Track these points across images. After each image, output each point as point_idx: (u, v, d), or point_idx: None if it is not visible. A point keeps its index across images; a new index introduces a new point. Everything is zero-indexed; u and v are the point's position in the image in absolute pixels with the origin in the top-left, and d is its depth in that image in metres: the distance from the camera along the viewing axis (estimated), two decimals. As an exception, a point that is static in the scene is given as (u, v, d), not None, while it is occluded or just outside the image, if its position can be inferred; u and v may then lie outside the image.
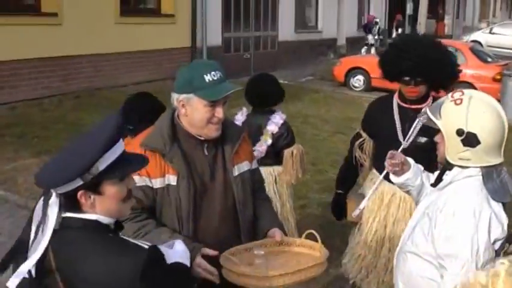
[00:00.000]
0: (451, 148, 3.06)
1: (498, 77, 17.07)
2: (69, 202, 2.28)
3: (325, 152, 10.82)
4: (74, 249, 2.25)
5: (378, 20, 29.51)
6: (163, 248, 2.58)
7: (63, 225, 2.29)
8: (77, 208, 2.30)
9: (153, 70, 16.63)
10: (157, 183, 3.18)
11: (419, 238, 3.16)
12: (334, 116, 14.82)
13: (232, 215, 3.34)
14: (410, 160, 3.60)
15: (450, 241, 2.91)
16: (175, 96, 3.20)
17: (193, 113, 3.16)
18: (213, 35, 19.10)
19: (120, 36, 15.32)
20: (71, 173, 2.22)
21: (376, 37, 28.73)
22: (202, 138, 3.25)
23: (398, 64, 4.54)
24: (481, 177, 3.05)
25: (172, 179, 3.17)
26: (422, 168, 3.64)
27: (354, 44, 30.07)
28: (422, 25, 26.56)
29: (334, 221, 5.59)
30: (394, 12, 35.85)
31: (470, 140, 2.98)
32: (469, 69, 16.32)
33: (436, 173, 3.44)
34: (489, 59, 19.23)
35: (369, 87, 19.21)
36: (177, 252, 2.65)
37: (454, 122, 3.02)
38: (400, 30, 32.90)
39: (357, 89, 19.39)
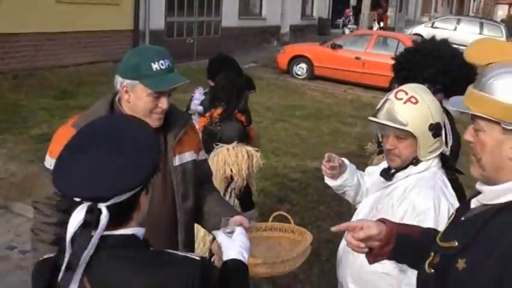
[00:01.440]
0: (423, 146, 3.06)
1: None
2: (117, 215, 1.95)
3: (267, 139, 10.82)
4: (117, 273, 1.93)
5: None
6: (223, 237, 2.45)
7: (100, 246, 1.93)
8: (120, 223, 1.99)
9: (95, 52, 16.40)
10: None
11: None
12: (277, 103, 14.87)
13: (170, 206, 3.23)
14: (346, 160, 3.59)
15: None
16: (119, 79, 3.04)
17: (136, 100, 3.03)
18: (156, 18, 18.92)
19: (62, 16, 15.00)
20: (137, 179, 1.95)
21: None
22: None
23: (421, 70, 4.51)
24: (432, 168, 3.10)
25: None
26: (354, 167, 3.64)
27: (298, 32, 30.23)
28: (366, 17, 26.79)
29: (276, 208, 5.61)
30: (337, 4, 36.25)
31: (437, 130, 3.05)
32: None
33: (378, 167, 3.47)
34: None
35: (311, 76, 19.39)
36: (236, 243, 2.48)
37: (422, 120, 3.01)
38: (349, 25, 33.61)
39: (300, 77, 19.51)
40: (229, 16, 23.63)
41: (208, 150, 5.27)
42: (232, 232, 2.55)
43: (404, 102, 3.03)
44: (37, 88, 12.90)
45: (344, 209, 6.85)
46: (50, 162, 3.06)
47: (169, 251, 2.12)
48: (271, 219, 3.36)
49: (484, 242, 2.00)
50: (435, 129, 3.03)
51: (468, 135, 2.13)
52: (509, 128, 1.96)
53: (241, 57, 22.36)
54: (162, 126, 3.16)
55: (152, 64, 2.95)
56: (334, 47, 19.38)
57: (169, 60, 3.03)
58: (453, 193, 3.08)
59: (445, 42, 5.08)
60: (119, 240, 1.96)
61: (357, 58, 18.82)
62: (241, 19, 24.95)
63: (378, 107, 3.17)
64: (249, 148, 5.35)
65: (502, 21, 45.66)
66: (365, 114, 3.26)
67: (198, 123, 5.51)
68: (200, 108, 5.82)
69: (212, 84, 5.82)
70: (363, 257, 3.15)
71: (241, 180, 5.33)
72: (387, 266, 2.97)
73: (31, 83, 13.29)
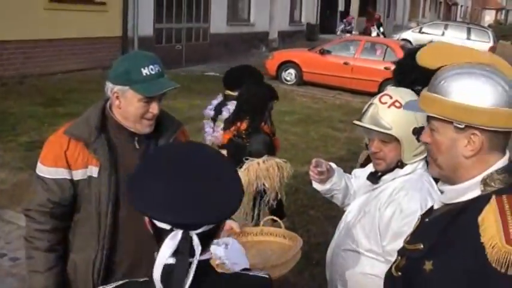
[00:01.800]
0: (407, 149, 3.07)
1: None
2: (204, 242, 1.88)
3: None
4: None
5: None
6: (221, 251, 2.41)
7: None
8: (204, 249, 1.90)
9: (84, 59, 16.38)
10: (78, 174, 3.05)
11: (360, 236, 3.16)
12: (266, 109, 14.79)
13: None
14: (333, 165, 3.60)
15: (401, 237, 2.77)
16: (109, 86, 3.05)
17: (127, 106, 3.04)
18: (145, 25, 18.92)
19: (50, 23, 15.01)
20: (233, 207, 1.91)
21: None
22: (133, 131, 3.12)
23: (411, 73, 4.54)
24: (419, 170, 3.12)
25: (94, 171, 3.04)
26: (342, 170, 3.66)
27: (286, 38, 30.29)
28: (354, 22, 26.92)
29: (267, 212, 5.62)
30: (326, 10, 36.32)
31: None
32: (398, 66, 16.60)
33: (365, 170, 3.49)
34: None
35: (300, 81, 19.41)
36: (237, 252, 2.48)
37: (406, 124, 3.03)
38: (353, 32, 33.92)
39: (289, 83, 19.51)
40: (218, 22, 23.65)
41: (236, 163, 5.27)
42: (226, 244, 2.52)
43: (389, 106, 3.05)
44: (26, 95, 12.88)
45: (334, 212, 6.87)
46: (42, 170, 3.07)
47: (238, 272, 2.12)
48: (262, 223, 3.38)
49: (449, 242, 2.04)
50: (419, 133, 3.03)
51: (425, 137, 2.21)
52: (460, 126, 2.04)
53: (230, 63, 22.37)
54: (153, 132, 3.17)
55: (142, 69, 2.96)
56: (323, 52, 19.42)
57: (159, 65, 3.04)
58: (440, 194, 3.10)
59: None
60: (203, 266, 1.91)
61: (345, 63, 18.85)
62: (230, 25, 24.98)
63: (363, 111, 3.20)
64: (278, 160, 5.34)
65: (489, 26, 46.05)
66: (354, 119, 3.26)
67: (222, 136, 5.60)
68: (211, 113, 5.90)
69: (230, 93, 5.87)
70: (351, 260, 3.20)
71: (275, 194, 5.35)
72: (377, 268, 3.01)
73: (20, 91, 13.27)
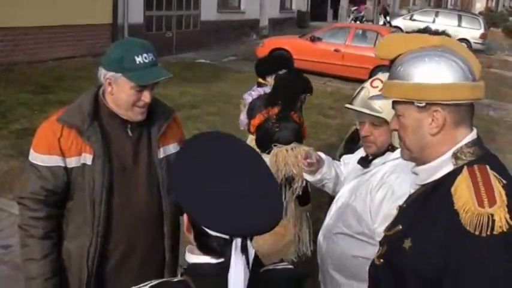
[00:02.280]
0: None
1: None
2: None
3: (246, 132, 10.83)
4: None
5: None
6: None
7: None
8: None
9: (74, 46, 16.34)
10: (72, 162, 3.04)
11: (351, 219, 3.18)
12: (257, 96, 14.79)
13: (156, 198, 3.23)
14: (322, 154, 3.63)
15: (391, 218, 2.88)
16: (102, 72, 3.04)
17: (119, 93, 3.03)
18: (135, 12, 18.84)
19: (39, 10, 14.91)
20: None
21: None
22: (126, 118, 3.12)
23: None
24: None
25: (88, 158, 3.03)
26: (331, 158, 3.68)
27: (277, 26, 30.25)
28: (344, 9, 26.91)
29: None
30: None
31: None
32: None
33: (354, 155, 3.52)
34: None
35: (291, 69, 19.34)
36: None
37: None
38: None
39: (279, 70, 19.44)
40: (208, 10, 23.58)
41: (264, 149, 5.44)
42: None
43: (380, 90, 3.03)
44: (16, 83, 12.82)
45: (326, 199, 6.87)
46: (35, 157, 3.07)
47: (268, 267, 2.01)
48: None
49: (425, 217, 2.11)
50: None
51: (393, 124, 2.33)
52: (421, 105, 2.14)
53: (220, 50, 22.43)
54: (146, 120, 3.17)
55: (136, 57, 2.96)
56: (314, 39, 19.44)
57: (153, 54, 3.04)
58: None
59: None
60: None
61: (336, 50, 18.88)
62: (220, 13, 24.91)
63: (354, 95, 3.24)
64: (306, 148, 5.40)
65: (480, 13, 46.03)
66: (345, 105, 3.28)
67: (251, 121, 5.76)
68: (249, 98, 6.06)
69: (261, 81, 6.07)
70: (343, 243, 3.22)
71: (302, 180, 5.41)
72: (368, 250, 3.03)
73: (9, 78, 13.20)
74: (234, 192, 1.77)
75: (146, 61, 2.98)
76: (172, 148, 3.30)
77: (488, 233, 1.91)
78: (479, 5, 71.82)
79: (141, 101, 3.05)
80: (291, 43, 19.89)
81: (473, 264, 1.93)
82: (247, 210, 1.75)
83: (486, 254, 1.92)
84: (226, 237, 1.74)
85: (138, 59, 2.96)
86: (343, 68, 18.58)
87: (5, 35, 14.29)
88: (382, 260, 2.31)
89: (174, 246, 3.35)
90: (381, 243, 2.40)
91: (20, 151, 8.21)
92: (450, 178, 2.08)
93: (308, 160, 3.49)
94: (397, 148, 3.13)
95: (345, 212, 3.25)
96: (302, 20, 33.65)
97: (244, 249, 1.74)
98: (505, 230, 1.91)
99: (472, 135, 2.17)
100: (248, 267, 1.75)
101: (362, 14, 34.56)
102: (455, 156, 2.14)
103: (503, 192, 1.97)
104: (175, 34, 21.34)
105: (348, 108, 3.22)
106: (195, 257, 1.85)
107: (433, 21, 30.05)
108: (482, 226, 1.92)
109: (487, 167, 2.06)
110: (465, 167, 2.08)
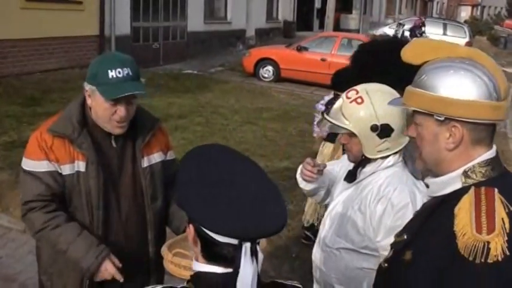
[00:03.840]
0: (368, 145, 3.09)
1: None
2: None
3: (234, 142, 10.91)
4: None
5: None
6: None
7: None
8: None
9: (61, 58, 16.31)
10: (66, 169, 3.09)
11: (353, 234, 3.15)
12: (244, 106, 14.91)
13: (140, 208, 3.29)
14: (316, 162, 3.59)
15: (395, 231, 2.66)
16: (84, 84, 3.12)
17: (96, 106, 3.08)
18: (122, 24, 18.85)
19: (27, 22, 14.88)
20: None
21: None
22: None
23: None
24: (400, 163, 3.15)
25: (81, 165, 3.09)
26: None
27: (263, 36, 30.32)
28: (331, 19, 27.00)
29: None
30: (302, 6, 36.23)
31: (385, 131, 3.05)
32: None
33: (340, 161, 3.55)
34: (393, 52, 19.77)
35: (278, 78, 19.52)
36: None
37: (364, 120, 3.05)
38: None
39: (266, 80, 19.59)
40: (195, 20, 23.59)
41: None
42: None
43: (350, 102, 3.10)
44: (3, 95, 12.81)
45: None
46: (32, 164, 3.11)
47: (277, 280, 2.02)
48: None
49: (427, 232, 2.11)
50: (380, 130, 3.05)
51: (410, 131, 2.27)
52: (440, 119, 2.08)
53: (207, 61, 22.46)
54: (129, 130, 3.21)
55: (109, 72, 2.99)
56: (300, 49, 19.53)
57: (131, 69, 3.05)
58: (423, 183, 3.14)
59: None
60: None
61: (322, 60, 18.95)
62: (207, 23, 24.94)
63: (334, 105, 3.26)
64: None
65: (465, 22, 46.34)
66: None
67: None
68: (322, 107, 6.62)
69: (338, 94, 6.08)
70: (347, 257, 3.17)
71: None
72: (372, 261, 3.03)
73: (-3, 90, 13.20)
74: (241, 196, 1.78)
75: (119, 76, 2.99)
76: (157, 157, 3.36)
77: (483, 260, 1.87)
78: (464, 14, 72.36)
79: (117, 115, 3.07)
80: (278, 53, 19.97)
81: None
82: (255, 214, 1.76)
83: (476, 283, 1.90)
84: (235, 242, 1.73)
85: (111, 74, 2.99)
86: (329, 77, 18.41)
87: (-8, 47, 14.26)
88: (386, 265, 2.34)
89: (159, 254, 3.39)
90: (391, 246, 2.41)
91: (9, 163, 8.18)
92: (457, 196, 2.05)
93: (317, 168, 3.42)
94: (388, 156, 3.14)
95: (344, 226, 3.22)
96: (288, 30, 33.69)
97: (254, 253, 1.74)
98: (499, 259, 1.87)
99: (489, 154, 2.11)
100: (258, 272, 1.77)
101: (421, 30, 32.39)
102: (465, 174, 2.09)
103: (506, 220, 1.92)
104: (162, 45, 21.34)
105: (324, 118, 3.27)
106: (201, 265, 1.83)
107: (419, 30, 30.18)
108: (476, 253, 1.88)
109: (496, 190, 2.00)
110: (472, 188, 2.03)
